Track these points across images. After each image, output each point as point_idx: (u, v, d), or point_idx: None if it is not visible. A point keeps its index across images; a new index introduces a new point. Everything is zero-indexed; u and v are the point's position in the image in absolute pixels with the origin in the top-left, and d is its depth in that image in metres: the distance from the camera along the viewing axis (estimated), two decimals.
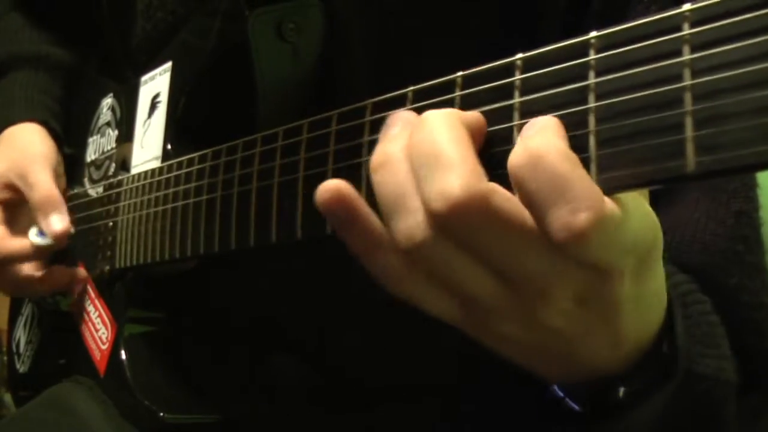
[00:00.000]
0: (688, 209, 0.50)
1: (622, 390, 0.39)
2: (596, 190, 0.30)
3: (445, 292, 0.35)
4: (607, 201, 0.30)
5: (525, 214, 0.32)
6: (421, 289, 0.35)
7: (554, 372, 0.40)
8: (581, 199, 0.30)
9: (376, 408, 0.62)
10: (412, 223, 0.33)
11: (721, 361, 0.45)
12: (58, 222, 0.70)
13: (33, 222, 0.71)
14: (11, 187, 0.74)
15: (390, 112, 0.39)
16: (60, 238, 0.70)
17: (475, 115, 0.35)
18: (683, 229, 0.49)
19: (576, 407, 0.40)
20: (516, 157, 0.31)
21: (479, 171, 0.32)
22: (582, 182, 0.30)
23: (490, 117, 0.35)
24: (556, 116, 0.32)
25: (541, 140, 0.31)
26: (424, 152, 0.32)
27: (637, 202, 0.33)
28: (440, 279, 0.34)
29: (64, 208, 0.71)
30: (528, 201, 0.31)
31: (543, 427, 0.45)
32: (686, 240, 0.49)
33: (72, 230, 0.71)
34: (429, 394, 0.60)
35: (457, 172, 0.31)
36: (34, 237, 0.70)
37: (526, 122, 0.33)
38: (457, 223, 0.31)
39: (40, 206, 0.70)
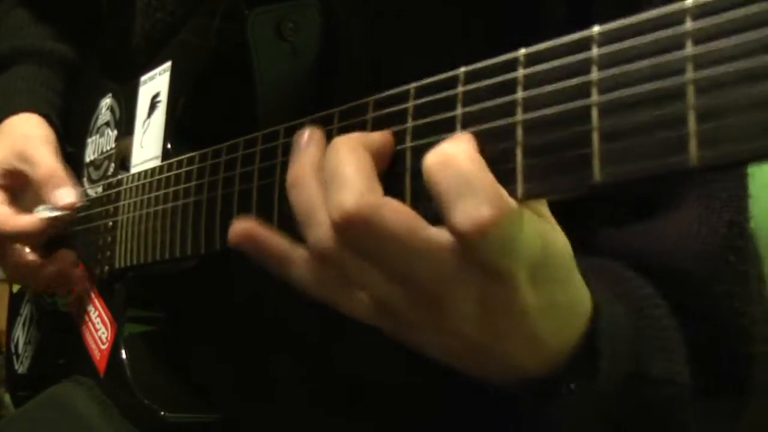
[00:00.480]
0: (683, 216, 0.51)
1: (547, 386, 0.41)
2: (501, 191, 0.34)
3: (358, 296, 0.39)
4: (512, 204, 0.34)
5: (415, 224, 0.36)
6: (337, 295, 0.40)
7: (482, 371, 0.42)
8: (485, 195, 0.33)
9: (376, 407, 0.62)
10: (319, 232, 0.38)
11: (673, 364, 0.47)
12: (66, 195, 0.69)
13: (39, 201, 0.71)
14: (14, 173, 0.73)
15: (391, 108, 0.39)
16: (68, 209, 0.69)
17: (379, 137, 0.39)
18: (675, 236, 0.51)
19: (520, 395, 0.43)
20: (428, 158, 0.35)
21: (373, 187, 0.36)
22: (486, 182, 0.34)
23: (494, 112, 0.35)
24: (558, 110, 0.32)
25: (452, 145, 0.35)
26: (329, 172, 0.38)
27: (528, 215, 0.36)
28: (350, 285, 0.39)
29: (70, 182, 0.71)
30: (438, 198, 0.35)
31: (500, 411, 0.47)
32: (678, 247, 0.51)
33: (80, 202, 0.70)
34: (429, 394, 0.60)
35: (351, 189, 0.36)
36: (42, 212, 0.69)
37: (530, 117, 0.34)
38: (352, 232, 0.36)
39: (46, 182, 0.70)
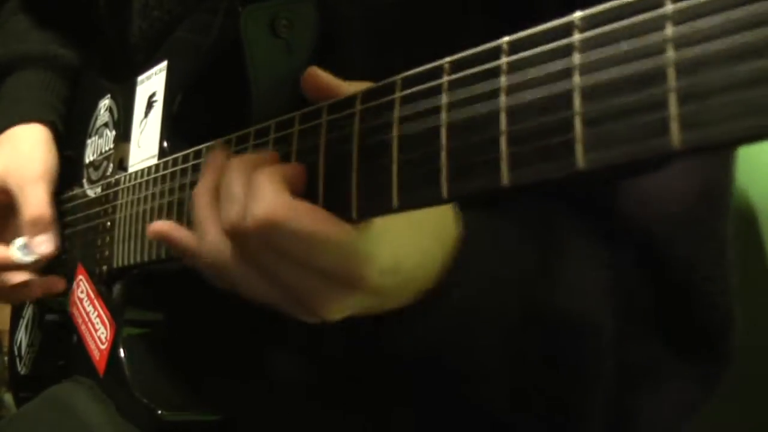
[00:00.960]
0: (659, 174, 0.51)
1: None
2: (283, 194, 0.42)
3: (263, 281, 0.45)
4: (299, 204, 0.42)
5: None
6: (238, 280, 0.46)
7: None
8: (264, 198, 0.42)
9: (376, 405, 0.61)
10: (206, 243, 0.46)
11: (573, 293, 0.50)
12: (44, 244, 0.72)
13: (20, 233, 0.72)
14: (5, 191, 0.74)
15: (379, 100, 0.39)
16: (42, 259, 0.71)
17: (266, 155, 0.46)
18: (651, 188, 0.51)
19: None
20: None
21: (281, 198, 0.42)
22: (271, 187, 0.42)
23: (477, 100, 0.35)
24: (541, 98, 0.32)
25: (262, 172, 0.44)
26: (222, 188, 0.45)
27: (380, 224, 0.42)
28: (240, 284, 0.46)
29: (53, 230, 0.72)
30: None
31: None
32: (651, 200, 0.52)
33: (54, 254, 0.72)
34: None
35: (238, 204, 0.43)
36: (15, 251, 0.71)
37: (514, 104, 0.33)
38: (239, 239, 0.43)
39: (31, 224, 0.72)
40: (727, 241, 0.53)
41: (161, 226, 0.52)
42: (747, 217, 0.59)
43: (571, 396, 0.51)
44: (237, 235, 0.43)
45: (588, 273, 0.51)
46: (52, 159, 0.77)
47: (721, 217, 0.53)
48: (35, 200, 0.72)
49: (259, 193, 0.42)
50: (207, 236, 0.46)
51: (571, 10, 0.33)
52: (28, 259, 0.71)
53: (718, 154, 0.52)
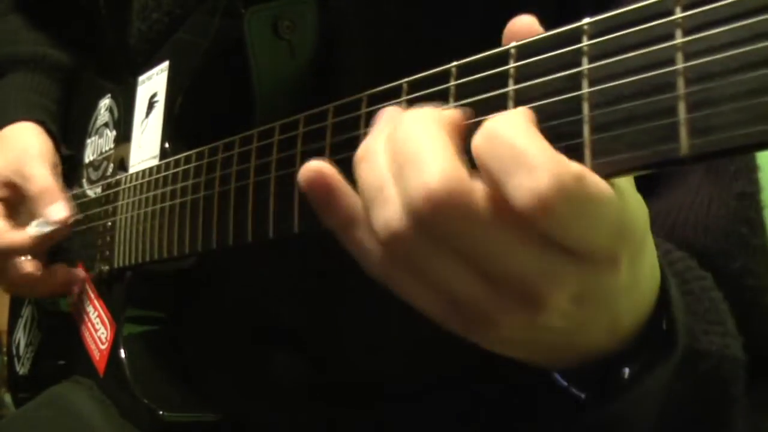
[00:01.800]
0: (690, 192, 0.49)
1: (626, 371, 0.38)
2: (560, 158, 0.30)
3: (429, 288, 0.34)
4: (583, 172, 0.30)
5: (509, 210, 0.31)
6: (404, 281, 0.35)
7: (551, 361, 0.40)
8: (541, 166, 0.29)
9: (375, 405, 0.62)
10: (389, 213, 0.33)
11: (726, 338, 0.44)
12: (59, 210, 0.69)
13: (33, 217, 0.71)
14: (9, 185, 0.74)
15: (383, 105, 0.39)
16: (60, 224, 0.69)
17: (454, 112, 0.35)
18: (686, 212, 0.49)
19: (581, 394, 0.40)
20: (475, 138, 0.31)
21: (458, 165, 0.31)
22: (540, 150, 0.30)
23: (485, 105, 0.35)
24: (550, 102, 0.33)
25: (497, 120, 0.31)
26: (403, 147, 0.33)
27: (630, 185, 0.33)
28: (421, 275, 0.34)
29: (63, 198, 0.71)
30: (492, 180, 0.31)
31: (546, 417, 0.45)
32: (690, 223, 0.48)
33: (74, 217, 0.70)
34: (429, 390, 0.60)
35: (434, 166, 0.31)
36: (33, 228, 0.70)
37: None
38: (435, 216, 0.31)
39: (40, 198, 0.70)
40: None
41: (320, 167, 0.36)
42: None
43: None
44: (436, 207, 0.31)
45: (721, 306, 0.46)
46: (47, 145, 0.77)
47: (761, 232, 0.50)
48: (38, 176, 0.72)
49: (530, 155, 0.30)
50: (387, 208, 0.33)
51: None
52: (48, 229, 0.70)
53: (748, 172, 0.50)
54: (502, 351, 0.37)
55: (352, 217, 0.36)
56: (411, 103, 0.39)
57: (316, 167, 0.36)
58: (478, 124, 0.32)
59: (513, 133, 0.30)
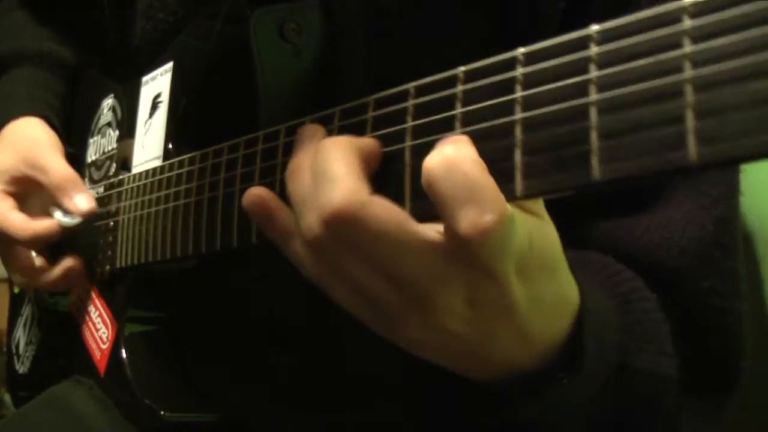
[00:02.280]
0: (672, 211, 0.52)
1: (543, 379, 0.42)
2: (501, 196, 0.34)
3: (350, 289, 0.39)
4: (508, 207, 0.34)
5: (404, 221, 0.36)
6: (330, 281, 0.40)
7: (472, 370, 0.43)
8: (489, 201, 0.34)
9: (375, 405, 0.62)
10: (309, 220, 0.38)
11: (659, 356, 0.48)
12: (84, 200, 0.69)
13: (52, 206, 0.70)
14: (22, 179, 0.73)
15: (388, 109, 0.40)
16: (87, 215, 0.69)
17: (367, 141, 0.40)
18: (662, 231, 0.51)
19: (505, 393, 0.43)
20: (432, 161, 0.35)
21: (360, 186, 0.37)
22: (491, 187, 0.34)
23: (492, 111, 0.35)
24: (557, 110, 0.33)
25: (456, 148, 0.35)
26: (318, 169, 0.38)
27: (516, 213, 0.36)
28: (342, 277, 0.39)
29: (84, 187, 0.71)
30: (440, 203, 0.35)
31: (472, 417, 0.48)
32: (665, 243, 0.51)
33: (96, 208, 0.70)
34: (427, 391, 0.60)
35: (338, 186, 0.37)
36: (60, 218, 0.69)
37: (527, 115, 0.34)
38: (340, 227, 0.37)
39: (61, 188, 0.70)
40: (742, 278, 0.54)
41: (259, 193, 0.43)
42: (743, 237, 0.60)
43: None
44: (341, 222, 0.37)
45: (660, 327, 0.49)
46: (54, 137, 0.77)
47: (734, 256, 0.53)
48: (55, 167, 0.71)
49: (483, 191, 0.35)
50: (307, 218, 0.39)
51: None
52: (76, 221, 0.69)
53: (729, 198, 0.52)
54: (419, 353, 0.41)
55: (287, 231, 0.41)
56: (417, 108, 0.39)
57: (256, 193, 0.42)
58: (398, 152, 0.39)
59: (470, 167, 0.34)
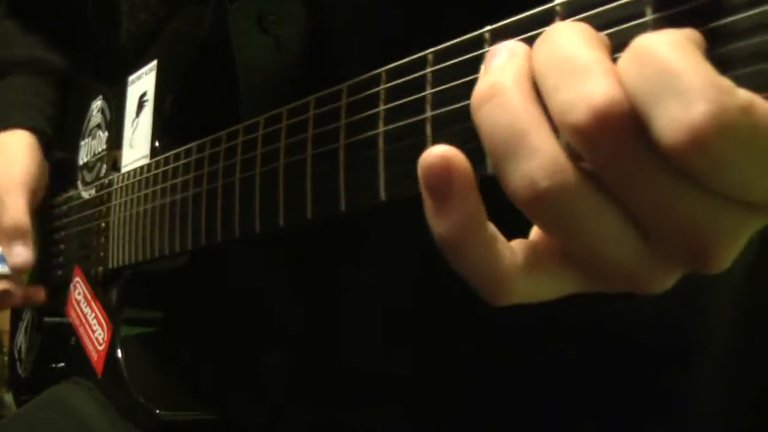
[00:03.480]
0: None
1: None
2: (723, 84, 0.24)
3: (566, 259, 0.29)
4: (748, 102, 0.24)
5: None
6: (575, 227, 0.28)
7: None
8: (697, 91, 0.23)
9: (375, 405, 0.61)
10: (535, 167, 0.27)
11: None
12: (20, 254, 0.70)
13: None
14: None
15: (362, 95, 0.39)
16: (17, 271, 0.71)
17: (600, 34, 0.29)
18: None
19: None
20: (622, 57, 0.26)
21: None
22: (699, 74, 0.24)
23: (463, 90, 0.35)
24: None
25: (649, 36, 0.25)
26: (557, 63, 0.27)
27: None
28: (560, 238, 0.28)
29: (30, 241, 0.71)
30: (637, 105, 0.25)
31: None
32: None
33: (31, 266, 0.71)
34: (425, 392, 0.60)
35: (601, 75, 0.25)
36: None
37: None
38: (602, 140, 0.25)
39: (7, 233, 0.71)
40: None
41: (448, 155, 0.28)
42: None
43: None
44: (599, 124, 0.25)
45: None
46: (35, 166, 0.77)
47: None
48: (13, 209, 0.72)
49: (683, 77, 0.24)
50: (534, 157, 0.27)
51: None
52: (4, 270, 0.70)
53: None
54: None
55: (474, 217, 0.28)
56: (388, 92, 0.39)
57: (441, 155, 0.28)
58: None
59: (667, 51, 0.24)
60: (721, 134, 0.23)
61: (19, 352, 0.87)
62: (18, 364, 0.87)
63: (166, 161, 0.59)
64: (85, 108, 0.79)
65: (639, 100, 0.25)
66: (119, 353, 0.66)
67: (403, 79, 0.38)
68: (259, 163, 0.48)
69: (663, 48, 0.25)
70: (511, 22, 0.33)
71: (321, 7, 0.57)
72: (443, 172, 0.28)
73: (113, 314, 0.68)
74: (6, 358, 0.90)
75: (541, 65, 0.28)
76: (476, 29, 0.35)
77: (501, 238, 0.29)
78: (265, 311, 0.65)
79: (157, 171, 0.60)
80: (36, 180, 0.77)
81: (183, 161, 0.57)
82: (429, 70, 0.36)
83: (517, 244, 0.30)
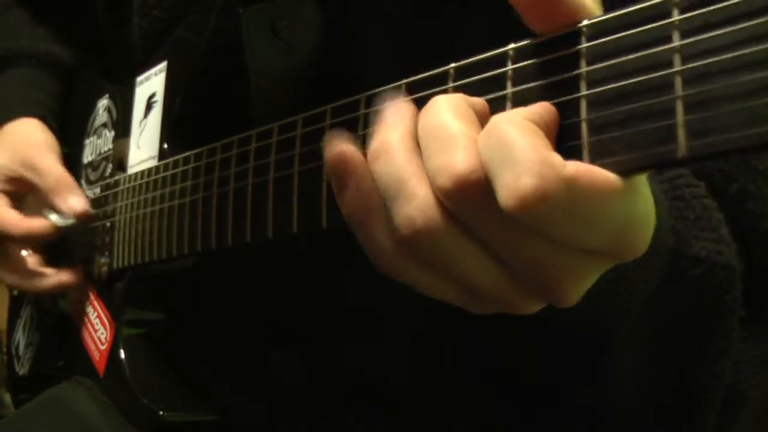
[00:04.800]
0: None
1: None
2: (550, 156, 0.29)
3: (447, 280, 0.34)
4: (572, 175, 0.29)
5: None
6: (420, 276, 0.35)
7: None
8: (526, 164, 0.29)
9: (375, 405, 0.62)
10: (413, 208, 0.32)
11: (718, 244, 0.44)
12: (78, 202, 0.69)
13: (46, 207, 0.71)
14: (17, 180, 0.73)
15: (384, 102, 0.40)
16: (81, 218, 0.69)
17: (480, 101, 0.35)
18: None
19: None
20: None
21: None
22: (529, 148, 0.29)
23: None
24: (549, 104, 0.33)
25: (501, 114, 0.32)
26: (431, 131, 0.33)
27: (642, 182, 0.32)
28: (440, 268, 0.34)
29: (78, 189, 0.71)
30: (487, 172, 0.30)
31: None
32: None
33: (91, 210, 0.70)
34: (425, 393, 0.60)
35: (462, 148, 0.31)
36: (55, 218, 0.70)
37: None
38: (461, 200, 0.31)
39: (56, 190, 0.70)
40: None
41: (345, 150, 0.35)
42: None
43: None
44: (460, 188, 0.31)
45: (713, 213, 0.45)
46: (51, 137, 0.77)
47: (762, 156, 0.49)
48: (50, 169, 0.71)
49: (516, 152, 0.29)
50: (412, 201, 0.33)
51: None
52: (69, 222, 0.70)
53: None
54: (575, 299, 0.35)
55: (367, 207, 0.35)
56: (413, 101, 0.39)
57: (340, 150, 0.35)
58: None
59: (509, 128, 0.30)
60: (542, 203, 0.29)
61: (17, 349, 0.87)
62: (15, 361, 0.87)
63: (176, 164, 0.59)
64: (91, 105, 0.79)
65: (487, 167, 0.30)
66: (122, 353, 0.66)
67: (424, 93, 0.38)
68: (272, 169, 0.48)
69: (506, 125, 0.30)
70: (536, 41, 0.34)
71: (335, 13, 0.57)
72: (341, 163, 0.35)
73: (116, 314, 0.68)
74: (5, 358, 0.89)
75: (421, 131, 0.34)
76: (494, 38, 0.36)
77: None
78: (268, 313, 0.65)
79: (167, 173, 0.60)
80: (58, 147, 0.76)
81: (193, 165, 0.57)
82: (451, 85, 0.37)
83: None
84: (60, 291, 0.75)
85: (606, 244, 0.31)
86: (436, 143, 0.32)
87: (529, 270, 0.32)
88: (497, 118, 0.31)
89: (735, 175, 0.48)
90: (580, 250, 0.31)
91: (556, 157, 0.29)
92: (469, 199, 0.31)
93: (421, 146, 0.33)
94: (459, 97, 0.34)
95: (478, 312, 0.36)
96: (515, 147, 0.29)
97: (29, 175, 0.72)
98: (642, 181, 0.32)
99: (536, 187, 0.29)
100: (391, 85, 0.40)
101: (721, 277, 0.44)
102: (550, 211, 0.29)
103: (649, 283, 0.41)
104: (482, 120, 0.33)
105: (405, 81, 0.39)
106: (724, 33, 0.27)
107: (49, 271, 0.73)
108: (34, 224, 0.70)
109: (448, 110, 0.33)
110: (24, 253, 0.73)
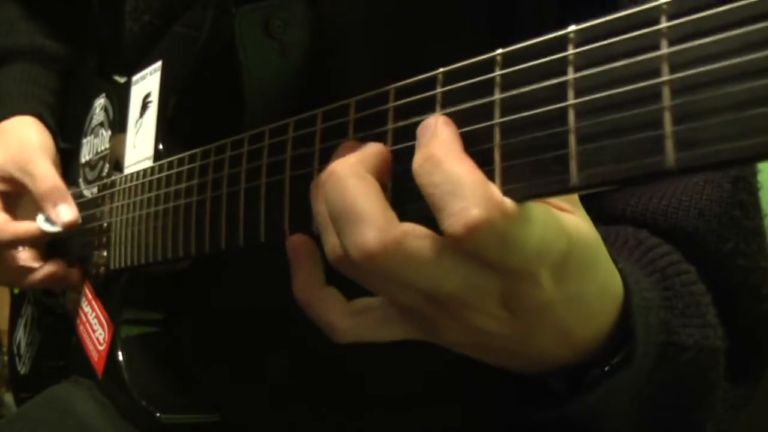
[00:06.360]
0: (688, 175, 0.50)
1: (593, 373, 0.41)
2: (490, 190, 0.32)
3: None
4: (507, 203, 0.33)
5: (438, 244, 0.34)
6: (376, 288, 0.38)
7: (516, 366, 0.42)
8: (473, 196, 0.32)
9: (375, 409, 0.61)
10: (346, 251, 0.36)
11: (704, 329, 0.46)
12: (67, 212, 0.70)
13: (38, 211, 0.71)
14: (10, 181, 0.74)
15: (371, 111, 0.39)
16: (68, 227, 0.70)
17: (376, 150, 0.38)
18: (681, 194, 0.50)
19: (555, 386, 0.42)
20: (416, 163, 0.34)
21: (390, 217, 0.35)
22: (475, 182, 0.32)
23: (471, 114, 0.35)
24: (535, 113, 0.32)
25: (437, 144, 0.34)
26: (337, 206, 0.35)
27: (543, 210, 0.34)
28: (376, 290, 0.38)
29: (70, 198, 0.71)
30: (430, 202, 0.33)
31: (522, 414, 0.46)
32: (683, 206, 0.50)
33: (80, 220, 0.71)
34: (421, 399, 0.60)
35: (369, 225, 0.34)
36: (42, 223, 0.70)
37: (508, 119, 0.33)
38: (375, 268, 0.35)
39: (47, 197, 0.71)
40: (765, 236, 0.52)
41: (302, 242, 0.42)
42: None
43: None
44: (376, 262, 0.35)
45: (701, 299, 0.48)
46: (47, 138, 0.77)
47: (754, 214, 0.52)
48: (43, 174, 0.72)
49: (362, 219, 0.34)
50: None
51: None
52: (55, 228, 0.70)
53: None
54: (460, 351, 0.41)
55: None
56: (397, 110, 0.38)
57: (298, 242, 0.42)
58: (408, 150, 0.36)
59: (449, 162, 0.33)
60: (490, 230, 0.32)
61: (18, 347, 0.87)
62: (17, 360, 0.87)
63: (170, 165, 0.59)
64: (88, 105, 0.78)
65: (431, 199, 0.34)
66: (120, 354, 0.66)
67: (412, 98, 0.38)
68: (264, 173, 0.47)
69: (445, 157, 0.33)
70: (523, 46, 0.33)
71: (327, 14, 0.57)
72: (294, 253, 0.42)
73: (114, 314, 0.68)
74: (6, 358, 0.89)
75: (329, 207, 0.36)
76: (485, 39, 0.35)
77: (336, 294, 0.41)
78: (267, 314, 0.65)
79: (161, 174, 0.60)
80: (54, 150, 0.76)
81: (187, 166, 0.56)
82: (439, 90, 0.36)
83: (357, 301, 0.40)
84: (59, 289, 0.75)
85: (518, 265, 0.34)
86: (344, 220, 0.35)
87: (449, 295, 0.36)
88: (432, 151, 0.34)
89: (728, 235, 0.50)
90: (490, 269, 0.35)
91: (393, 216, 0.35)
92: (383, 266, 0.35)
93: (330, 219, 0.36)
94: (357, 164, 0.36)
95: (417, 336, 0.39)
96: (461, 180, 0.33)
97: (22, 178, 0.72)
98: (538, 209, 0.35)
99: (483, 217, 0.32)
100: (379, 90, 0.40)
101: (706, 359, 0.47)
102: (490, 236, 0.33)
103: (638, 381, 0.44)
104: (382, 166, 0.37)
105: (393, 86, 0.39)
106: (713, 41, 0.27)
107: (38, 264, 0.73)
108: (21, 229, 0.71)
109: (350, 183, 0.35)
110: (15, 250, 0.74)
